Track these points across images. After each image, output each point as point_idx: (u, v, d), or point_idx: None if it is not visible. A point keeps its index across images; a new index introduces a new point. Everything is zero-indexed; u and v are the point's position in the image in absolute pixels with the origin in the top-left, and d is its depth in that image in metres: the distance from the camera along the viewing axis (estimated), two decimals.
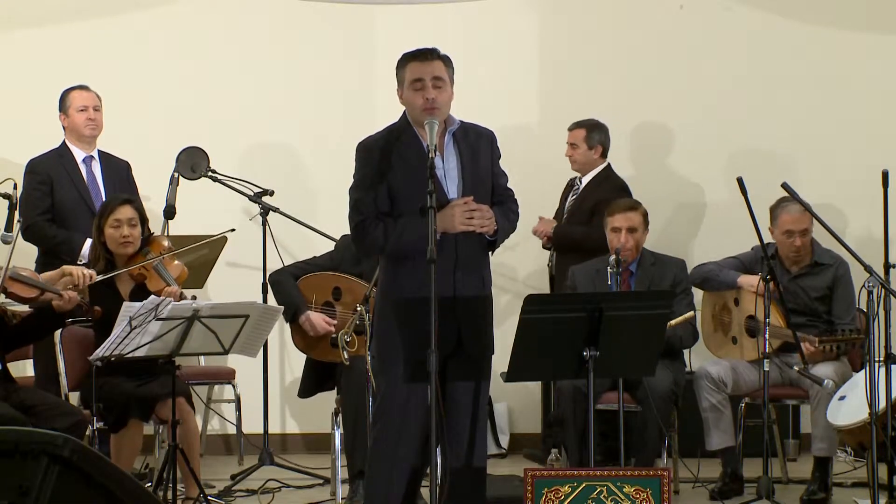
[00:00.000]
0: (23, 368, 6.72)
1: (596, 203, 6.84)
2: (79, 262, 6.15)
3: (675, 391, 6.03)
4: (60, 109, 6.65)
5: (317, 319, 6.09)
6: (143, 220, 5.87)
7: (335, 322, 6.09)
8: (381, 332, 4.68)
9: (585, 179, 7.10)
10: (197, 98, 7.52)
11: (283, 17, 7.62)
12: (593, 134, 7.08)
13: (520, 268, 7.59)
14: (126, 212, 5.78)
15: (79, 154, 6.63)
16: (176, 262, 5.94)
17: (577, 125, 7.13)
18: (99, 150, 6.71)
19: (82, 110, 6.60)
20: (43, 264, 6.39)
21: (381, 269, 4.76)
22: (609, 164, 7.11)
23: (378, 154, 4.62)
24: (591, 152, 7.08)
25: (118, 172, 6.71)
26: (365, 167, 4.65)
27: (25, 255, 6.41)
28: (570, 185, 7.19)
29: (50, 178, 6.52)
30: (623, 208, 6.29)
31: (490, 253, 4.74)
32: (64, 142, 6.66)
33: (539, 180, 7.45)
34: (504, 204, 4.73)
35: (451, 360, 4.57)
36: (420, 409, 4.49)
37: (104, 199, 6.42)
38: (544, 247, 7.17)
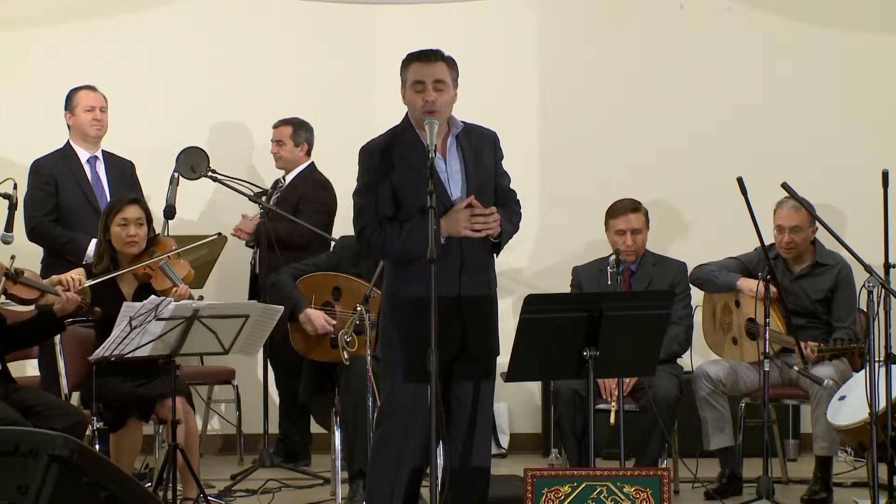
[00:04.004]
0: (24, 368, 6.72)
1: (299, 199, 6.90)
2: (84, 263, 6.15)
3: (679, 398, 6.03)
4: (66, 108, 6.65)
5: (316, 316, 6.09)
6: (149, 220, 5.87)
7: (335, 322, 6.09)
8: (385, 333, 4.68)
9: (289, 177, 7.08)
10: (197, 98, 7.52)
11: (284, 18, 7.62)
12: (300, 132, 7.06)
13: (520, 268, 7.59)
14: (133, 211, 5.78)
15: (83, 154, 6.64)
16: (182, 261, 5.93)
17: (283, 122, 7.09)
18: (103, 150, 6.71)
19: (89, 110, 6.60)
20: (48, 265, 6.39)
21: (385, 271, 4.77)
22: (313, 163, 7.10)
23: (380, 157, 4.63)
24: (297, 149, 7.08)
25: (122, 172, 6.72)
26: (367, 171, 4.65)
27: (29, 255, 6.40)
28: (276, 183, 7.15)
29: (54, 178, 6.52)
30: (626, 210, 6.24)
31: (496, 255, 4.74)
32: (68, 142, 6.66)
33: (539, 180, 7.47)
34: (506, 205, 4.73)
35: (456, 361, 4.58)
36: (424, 409, 4.50)
37: (109, 199, 6.42)
38: (248, 245, 7.06)
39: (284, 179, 7.10)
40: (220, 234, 6.44)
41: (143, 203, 5.90)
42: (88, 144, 6.65)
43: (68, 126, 6.65)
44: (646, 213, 6.30)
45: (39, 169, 6.57)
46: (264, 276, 6.58)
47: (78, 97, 6.62)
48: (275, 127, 7.11)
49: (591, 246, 6.73)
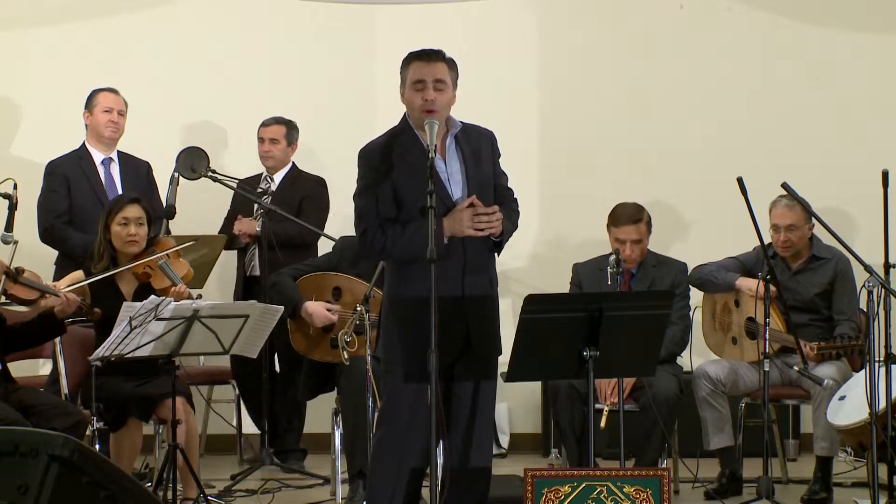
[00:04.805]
0: (27, 368, 6.71)
1: (302, 198, 6.91)
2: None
3: (679, 397, 6.03)
4: (86, 108, 6.69)
5: (317, 309, 6.06)
6: (150, 221, 5.86)
7: (337, 307, 6.08)
8: (388, 333, 4.67)
9: (278, 176, 7.07)
10: (197, 98, 7.52)
11: (284, 18, 7.62)
12: (293, 132, 7.07)
13: (520, 268, 7.59)
14: (134, 211, 5.77)
15: (98, 156, 6.66)
16: (181, 260, 5.92)
17: (276, 122, 7.05)
18: (119, 152, 6.73)
19: (106, 111, 6.64)
20: (61, 266, 6.39)
21: (387, 272, 4.76)
22: (294, 162, 7.12)
23: (379, 159, 4.62)
24: (289, 149, 7.08)
25: (138, 173, 6.74)
26: (367, 173, 4.65)
27: (40, 258, 6.40)
28: (252, 182, 7.07)
29: (67, 179, 6.53)
30: (627, 221, 6.18)
31: (497, 255, 4.74)
32: (84, 143, 6.67)
33: (539, 180, 7.46)
34: (505, 204, 4.73)
35: (458, 361, 4.58)
36: (425, 409, 4.49)
37: None
38: (235, 245, 7.02)
39: (272, 179, 7.08)
40: (197, 238, 6.39)
41: (144, 203, 5.89)
42: (103, 146, 6.67)
43: (86, 125, 6.68)
44: (648, 222, 6.25)
45: (53, 170, 6.59)
46: (265, 276, 6.58)
47: (97, 98, 6.67)
48: (266, 125, 7.09)
49: (591, 246, 6.71)
